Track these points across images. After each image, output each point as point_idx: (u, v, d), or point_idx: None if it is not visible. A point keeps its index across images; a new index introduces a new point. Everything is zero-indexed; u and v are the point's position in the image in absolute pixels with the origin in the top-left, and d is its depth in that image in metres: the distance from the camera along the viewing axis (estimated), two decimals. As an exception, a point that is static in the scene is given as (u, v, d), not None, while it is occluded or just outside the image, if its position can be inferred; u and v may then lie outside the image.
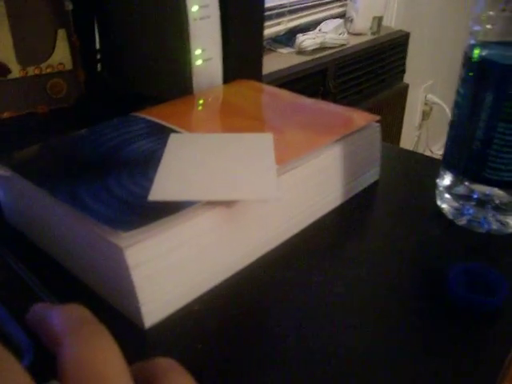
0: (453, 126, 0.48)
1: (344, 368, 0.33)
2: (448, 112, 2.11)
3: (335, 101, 1.28)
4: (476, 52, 0.43)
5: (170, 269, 0.35)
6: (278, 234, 0.44)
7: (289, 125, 0.49)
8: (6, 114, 0.67)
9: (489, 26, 0.42)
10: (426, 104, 2.19)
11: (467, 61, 0.45)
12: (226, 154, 0.43)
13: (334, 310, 0.37)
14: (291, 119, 0.50)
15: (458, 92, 0.46)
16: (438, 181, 0.50)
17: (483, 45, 0.43)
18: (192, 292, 0.38)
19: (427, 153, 2.26)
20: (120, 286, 0.34)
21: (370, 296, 0.39)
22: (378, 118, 0.51)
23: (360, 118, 0.51)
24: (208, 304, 0.37)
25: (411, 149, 1.80)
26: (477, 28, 0.43)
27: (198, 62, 0.60)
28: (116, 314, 0.36)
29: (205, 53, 0.60)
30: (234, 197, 0.37)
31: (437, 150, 2.36)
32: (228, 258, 0.39)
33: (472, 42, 0.44)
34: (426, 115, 2.21)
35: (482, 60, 0.43)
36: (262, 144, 0.44)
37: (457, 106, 0.46)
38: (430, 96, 2.18)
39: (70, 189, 0.37)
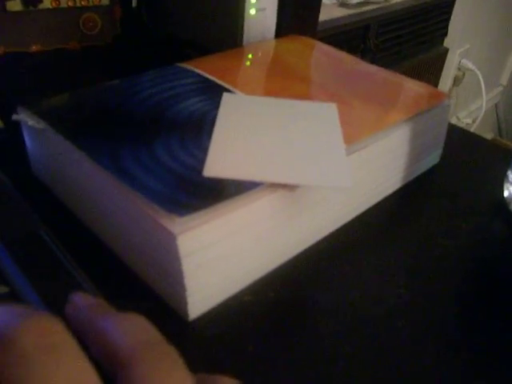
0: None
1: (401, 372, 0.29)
2: (480, 79, 2.04)
3: (373, 60, 1.21)
4: None
5: (223, 257, 0.31)
6: (337, 219, 0.39)
7: (354, 95, 0.44)
8: (34, 48, 0.61)
9: None
10: (459, 69, 2.10)
11: None
12: (287, 124, 0.38)
13: (394, 308, 0.33)
14: (355, 89, 0.45)
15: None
16: (508, 172, 0.46)
17: None
18: (243, 281, 0.33)
19: (454, 120, 2.19)
20: (167, 273, 0.30)
21: (432, 298, 0.35)
22: (448, 96, 0.46)
23: (431, 94, 0.46)
24: (259, 295, 0.33)
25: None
26: None
27: (251, 12, 0.54)
28: (160, 302, 0.32)
29: (259, 2, 0.54)
30: (303, 181, 0.32)
31: (464, 118, 2.28)
32: (284, 245, 0.35)
33: None
34: (457, 81, 2.12)
35: None
36: (326, 116, 0.39)
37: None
38: (464, 61, 2.09)
39: (113, 153, 0.33)
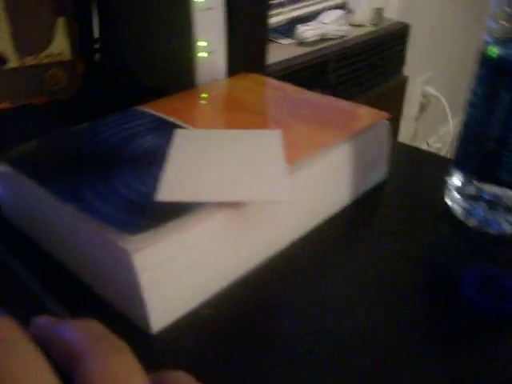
0: (466, 125, 0.46)
1: (354, 373, 0.32)
2: (445, 104, 2.10)
3: (335, 93, 1.26)
4: (492, 50, 0.42)
5: (179, 272, 0.34)
6: (287, 234, 0.42)
7: (297, 121, 0.48)
8: (2, 105, 0.65)
9: (506, 24, 0.41)
10: (423, 96, 2.17)
11: (483, 59, 0.43)
12: (234, 151, 0.42)
13: (343, 312, 0.36)
14: (298, 115, 0.49)
15: (472, 91, 0.45)
16: (447, 180, 0.49)
17: (500, 43, 0.42)
18: (201, 295, 0.36)
19: (424, 145, 2.25)
20: (127, 291, 0.33)
21: (378, 298, 0.38)
22: (387, 115, 0.50)
23: (369, 115, 0.50)
24: (216, 308, 0.36)
25: (408, 142, 1.80)
26: (493, 25, 0.42)
27: (202, 55, 0.58)
28: (122, 318, 0.34)
29: (209, 45, 0.58)
30: (245, 198, 0.36)
31: (433, 143, 2.35)
32: (236, 260, 0.38)
33: (488, 39, 0.43)
34: (423, 107, 2.19)
35: (499, 58, 0.42)
36: (270, 141, 0.43)
37: (471, 105, 0.45)
38: (427, 88, 2.17)
39: (74, 188, 0.36)
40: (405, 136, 2.08)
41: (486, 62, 0.43)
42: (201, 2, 0.55)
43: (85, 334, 0.21)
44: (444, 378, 0.32)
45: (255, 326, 0.35)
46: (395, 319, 0.36)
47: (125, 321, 0.34)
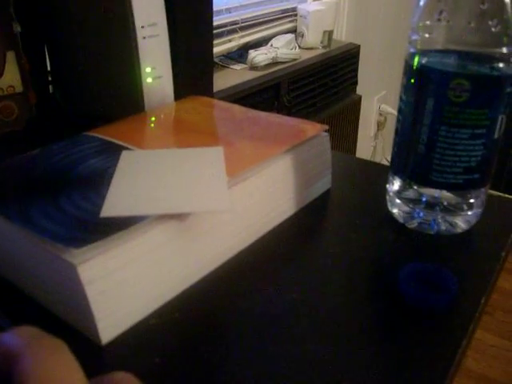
0: (398, 132, 0.49)
1: (304, 374, 0.33)
2: (402, 121, 2.16)
3: (289, 114, 1.30)
4: (416, 60, 0.45)
5: (125, 284, 0.35)
6: (233, 245, 0.44)
7: (240, 138, 0.50)
8: (-45, 140, 0.66)
9: (426, 35, 0.44)
10: (380, 114, 2.23)
11: (408, 69, 0.46)
12: (178, 168, 0.43)
13: (291, 316, 0.38)
14: (243, 132, 0.51)
15: (401, 99, 0.48)
16: (387, 186, 0.52)
17: (422, 53, 0.45)
18: (148, 306, 0.38)
19: (384, 162, 2.30)
20: (75, 303, 0.34)
21: (325, 301, 0.40)
22: (326, 127, 0.53)
23: (309, 128, 0.52)
24: (165, 318, 0.38)
25: (368, 158, 1.84)
26: (415, 37, 0.45)
27: (149, 80, 0.60)
28: (72, 331, 0.36)
29: (155, 71, 0.60)
30: (185, 209, 0.37)
31: (393, 159, 2.40)
32: (183, 271, 0.40)
33: (412, 50, 0.46)
34: (380, 125, 2.25)
35: (422, 67, 0.45)
36: (212, 157, 0.45)
37: (400, 112, 0.48)
38: (383, 106, 2.23)
39: (22, 209, 0.37)
40: (364, 154, 2.13)
41: (410, 71, 0.46)
42: (144, 30, 0.57)
43: (21, 336, 0.21)
44: (378, 361, 0.34)
45: (202, 333, 0.37)
46: (338, 315, 0.38)
47: (76, 334, 0.35)
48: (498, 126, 0.45)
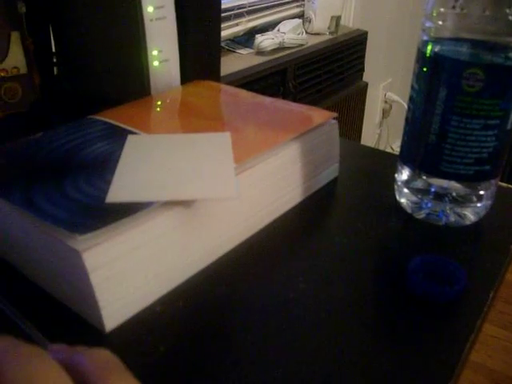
0: (408, 121, 0.48)
1: (309, 363, 0.33)
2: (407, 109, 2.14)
3: (295, 100, 1.29)
4: (429, 48, 0.44)
5: (130, 271, 0.35)
6: (239, 232, 0.44)
7: (247, 124, 0.49)
8: (-42, 120, 0.65)
9: (440, 23, 0.43)
10: (385, 102, 2.22)
11: (421, 57, 0.45)
12: (184, 154, 0.43)
13: (297, 306, 0.38)
14: (250, 118, 0.50)
15: (412, 87, 0.47)
16: (396, 176, 0.51)
17: (436, 41, 0.44)
18: (153, 293, 0.37)
19: (388, 150, 2.29)
20: (79, 290, 0.34)
21: (331, 291, 0.39)
22: (335, 114, 0.52)
23: (318, 115, 0.51)
24: (170, 305, 0.37)
25: (372, 146, 1.83)
26: (429, 24, 0.44)
27: (155, 63, 0.59)
28: (76, 318, 0.35)
29: (161, 54, 0.59)
30: (191, 196, 0.37)
31: (397, 147, 2.39)
32: (188, 258, 0.39)
33: (425, 38, 0.45)
34: (385, 113, 2.24)
35: (435, 56, 0.44)
36: (219, 143, 0.44)
37: (412, 101, 0.47)
38: (389, 94, 2.21)
39: (26, 194, 0.37)
40: (368, 141, 2.12)
41: (423, 59, 0.45)
42: (151, 12, 0.56)
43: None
44: (385, 352, 0.34)
45: (207, 322, 0.36)
46: (345, 305, 0.38)
47: (80, 321, 0.35)
48: (511, 117, 0.44)
